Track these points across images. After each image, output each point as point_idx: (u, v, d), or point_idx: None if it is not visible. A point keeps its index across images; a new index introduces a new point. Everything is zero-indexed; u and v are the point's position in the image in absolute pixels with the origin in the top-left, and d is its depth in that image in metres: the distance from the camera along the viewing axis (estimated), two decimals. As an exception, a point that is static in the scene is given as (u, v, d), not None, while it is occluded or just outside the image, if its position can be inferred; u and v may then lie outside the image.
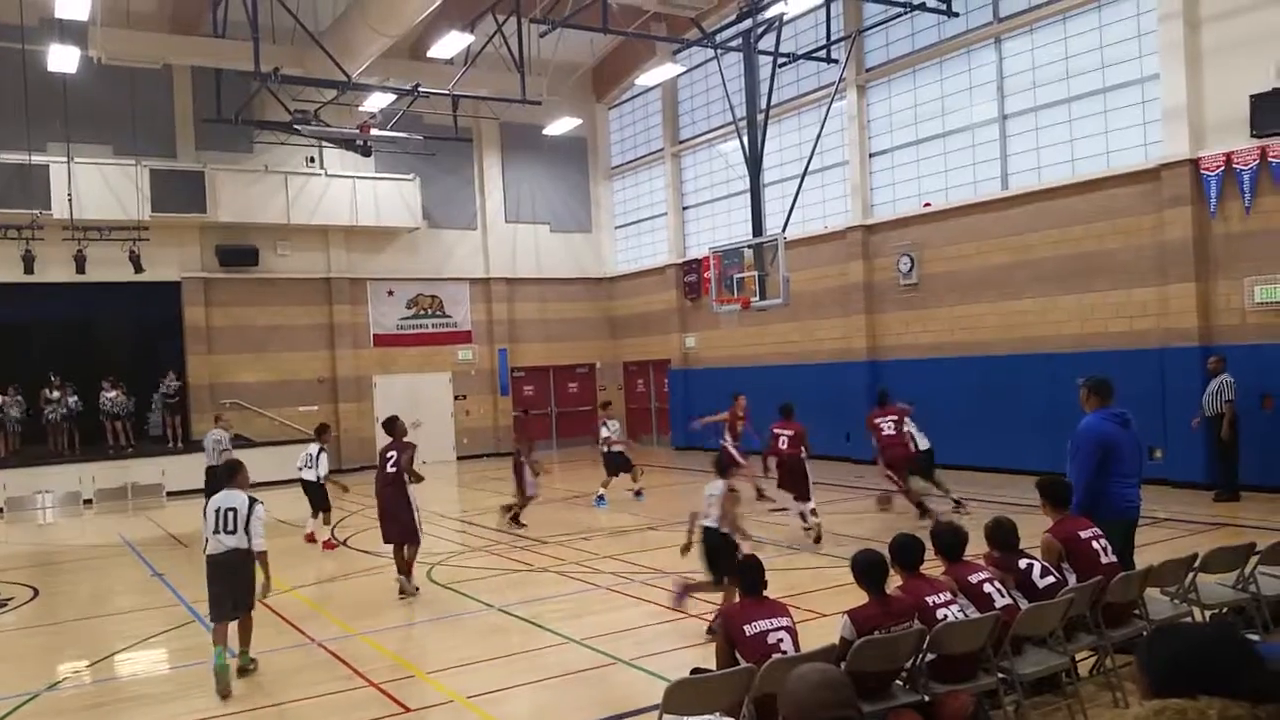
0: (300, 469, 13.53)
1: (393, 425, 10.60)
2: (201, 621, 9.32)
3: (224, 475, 7.81)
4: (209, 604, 7.54)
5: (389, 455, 10.24)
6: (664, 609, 8.89)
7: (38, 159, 19.11)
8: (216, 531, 7.41)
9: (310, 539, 13.46)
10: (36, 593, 11.31)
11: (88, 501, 19.25)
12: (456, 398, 25.55)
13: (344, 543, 13.52)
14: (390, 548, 10.43)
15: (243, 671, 7.49)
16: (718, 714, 4.89)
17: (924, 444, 13.14)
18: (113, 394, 20.45)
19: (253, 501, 7.48)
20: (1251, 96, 13.29)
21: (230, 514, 7.40)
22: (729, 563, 7.16)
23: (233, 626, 7.49)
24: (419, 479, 10.27)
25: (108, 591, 11.49)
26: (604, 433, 16.40)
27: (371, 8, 16.74)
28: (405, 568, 10.10)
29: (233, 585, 7.41)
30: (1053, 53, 16.20)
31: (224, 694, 7.03)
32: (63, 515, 18.65)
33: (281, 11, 15.98)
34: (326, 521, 13.66)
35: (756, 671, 4.76)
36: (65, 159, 19.26)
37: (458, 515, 16.10)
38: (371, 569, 11.62)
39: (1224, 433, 13.20)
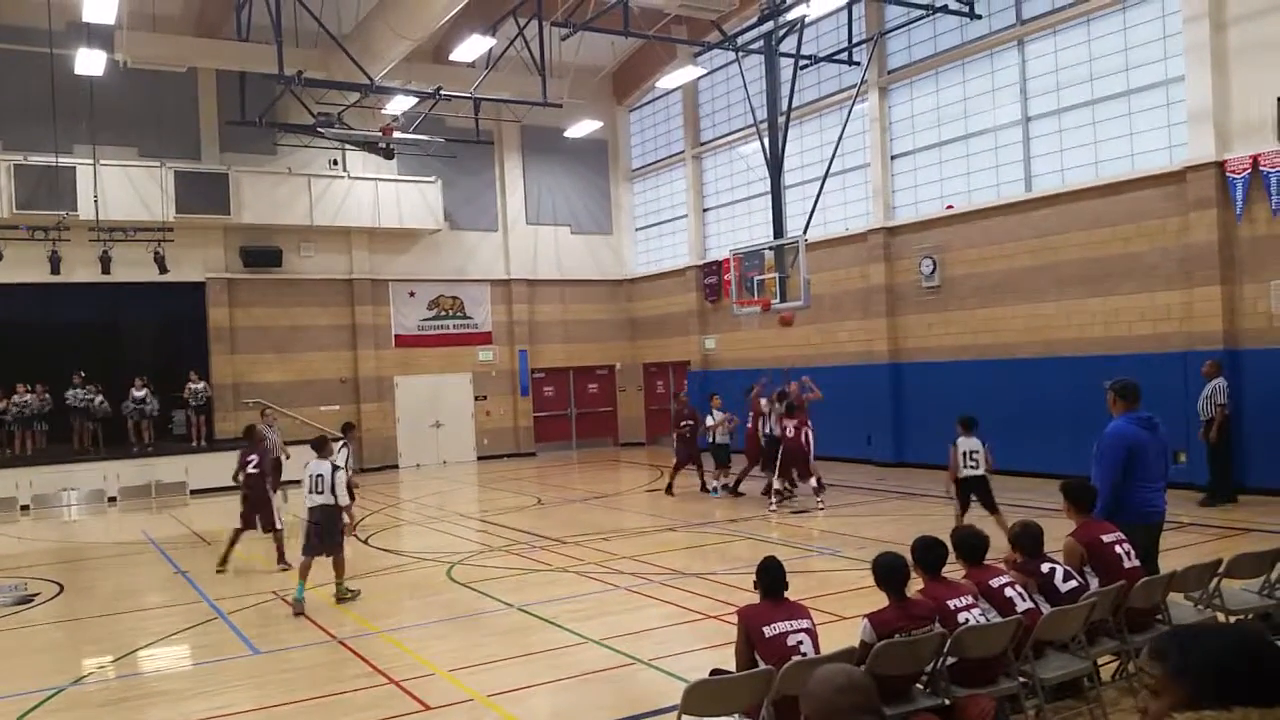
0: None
1: (251, 433, 12.65)
2: (224, 618, 9.49)
3: (315, 448, 10.16)
4: (302, 542, 9.86)
5: (250, 458, 12.00)
6: (683, 610, 8.88)
7: (64, 161, 19.29)
8: (310, 492, 9.80)
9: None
10: (62, 588, 11.43)
11: (112, 499, 19.43)
12: (477, 398, 25.65)
13: (365, 541, 13.59)
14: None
15: (341, 599, 9.72)
16: (737, 715, 4.88)
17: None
18: (142, 393, 20.64)
19: (335, 468, 9.89)
20: (1279, 98, 13.16)
21: (319, 478, 9.79)
22: None
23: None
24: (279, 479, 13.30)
25: (132, 588, 11.59)
26: (709, 422, 16.58)
27: (394, 12, 16.84)
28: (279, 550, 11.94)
29: (319, 529, 9.72)
30: (1076, 55, 16.09)
31: (297, 614, 9.26)
32: (88, 512, 18.84)
33: (305, 15, 16.09)
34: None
35: (776, 673, 4.75)
36: (91, 161, 19.48)
37: (478, 515, 16.14)
38: (391, 568, 11.70)
39: (1211, 436, 13.19)
